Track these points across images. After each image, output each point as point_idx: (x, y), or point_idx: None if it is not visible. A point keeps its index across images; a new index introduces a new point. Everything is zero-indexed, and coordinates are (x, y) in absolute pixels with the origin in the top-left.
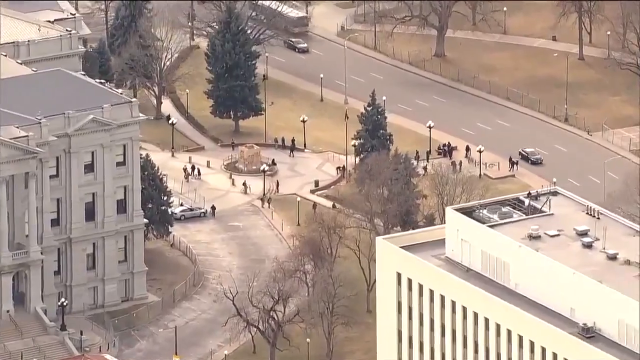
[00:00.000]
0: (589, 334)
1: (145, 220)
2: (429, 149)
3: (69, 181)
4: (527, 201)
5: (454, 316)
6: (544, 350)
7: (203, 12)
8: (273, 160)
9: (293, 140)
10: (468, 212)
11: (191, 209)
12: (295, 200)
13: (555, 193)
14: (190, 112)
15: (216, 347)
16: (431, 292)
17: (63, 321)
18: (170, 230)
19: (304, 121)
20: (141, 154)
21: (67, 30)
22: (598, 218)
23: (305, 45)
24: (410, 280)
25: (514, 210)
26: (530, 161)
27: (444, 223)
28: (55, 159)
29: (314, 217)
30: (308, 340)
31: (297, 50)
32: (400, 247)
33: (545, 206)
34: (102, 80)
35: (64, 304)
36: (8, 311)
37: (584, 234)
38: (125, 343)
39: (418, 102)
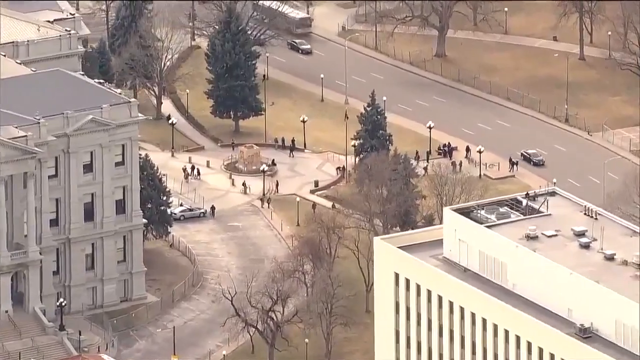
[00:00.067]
0: (586, 334)
1: (144, 221)
2: (429, 149)
3: (67, 181)
4: (524, 202)
5: (452, 316)
6: (541, 350)
7: (204, 12)
8: (273, 160)
9: (293, 141)
10: (466, 212)
11: (191, 209)
12: (294, 200)
13: (553, 193)
14: (191, 112)
15: (215, 348)
16: (429, 292)
17: (62, 321)
18: (169, 230)
19: (304, 121)
20: (140, 154)
21: (66, 30)
22: (596, 218)
23: (309, 46)
24: (408, 281)
25: (512, 211)
26: (532, 162)
27: (443, 223)
28: (54, 159)
29: (313, 217)
30: (307, 340)
31: (300, 51)
32: (398, 247)
33: (543, 207)
34: (101, 81)
35: (63, 304)
36: (7, 311)
37: (581, 234)
38: (124, 343)
39: (418, 102)
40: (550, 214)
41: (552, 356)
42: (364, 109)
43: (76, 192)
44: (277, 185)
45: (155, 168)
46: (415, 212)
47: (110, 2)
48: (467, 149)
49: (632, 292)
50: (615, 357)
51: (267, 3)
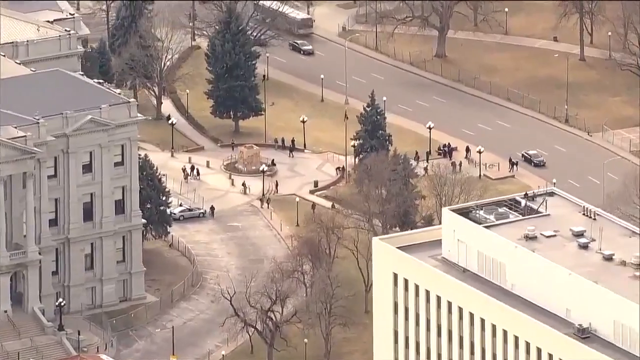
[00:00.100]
0: (585, 334)
1: (144, 221)
2: (429, 150)
3: (67, 181)
4: (523, 202)
5: (450, 317)
6: (539, 350)
7: (204, 13)
8: (272, 160)
9: (293, 141)
10: (464, 212)
11: (190, 209)
12: (294, 200)
13: (551, 194)
14: (191, 113)
15: (214, 348)
16: (427, 292)
17: (61, 321)
18: (168, 230)
19: (303, 121)
20: (140, 154)
21: (66, 30)
22: (594, 219)
23: (311, 47)
24: (406, 281)
25: (511, 211)
26: (533, 163)
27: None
28: (53, 159)
29: (312, 217)
30: (306, 340)
31: (302, 52)
32: (397, 247)
33: (542, 207)
34: (101, 81)
35: (62, 304)
36: (6, 311)
37: (580, 234)
38: (123, 343)
39: (419, 103)
40: (549, 214)
41: (550, 356)
42: (364, 109)
43: (75, 192)
44: (276, 185)
45: (155, 168)
46: (415, 213)
47: (110, 2)
48: (467, 150)
49: (630, 293)
50: (614, 357)
51: (267, 3)
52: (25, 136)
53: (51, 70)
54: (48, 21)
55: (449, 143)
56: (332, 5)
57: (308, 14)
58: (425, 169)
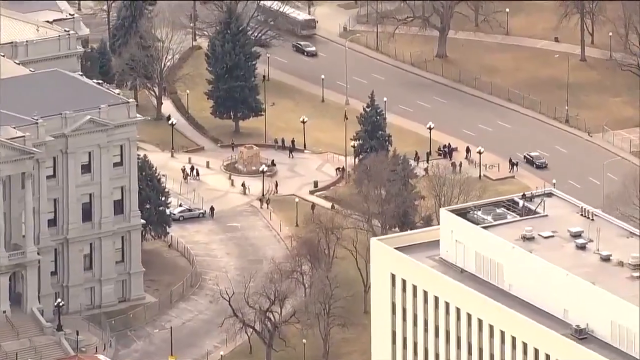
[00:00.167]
0: (582, 335)
1: (143, 221)
2: (429, 150)
3: (66, 182)
4: (521, 202)
5: (448, 317)
6: (537, 351)
7: (205, 13)
8: (272, 161)
9: (293, 141)
10: (462, 213)
11: (190, 210)
12: (294, 201)
13: (549, 194)
14: (191, 113)
15: (212, 348)
16: (425, 293)
17: (60, 322)
18: (168, 230)
19: (303, 122)
20: (139, 155)
21: (65, 30)
22: (592, 219)
23: (314, 49)
24: (404, 281)
25: (508, 212)
26: (535, 165)
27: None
28: (52, 160)
29: (311, 217)
30: (304, 341)
31: (305, 54)
32: (395, 248)
33: (540, 207)
34: (100, 81)
35: (61, 304)
36: (5, 311)
37: (577, 235)
38: (122, 344)
39: (419, 103)
40: (546, 215)
41: (547, 357)
42: (364, 109)
43: (74, 193)
44: (276, 185)
45: (154, 168)
46: (414, 213)
47: (111, 2)
48: (467, 150)
49: (628, 293)
50: (611, 358)
51: (268, 3)
52: (24, 136)
53: (50, 70)
54: (47, 21)
55: (449, 143)
56: (333, 5)
57: (309, 14)
58: (426, 169)
